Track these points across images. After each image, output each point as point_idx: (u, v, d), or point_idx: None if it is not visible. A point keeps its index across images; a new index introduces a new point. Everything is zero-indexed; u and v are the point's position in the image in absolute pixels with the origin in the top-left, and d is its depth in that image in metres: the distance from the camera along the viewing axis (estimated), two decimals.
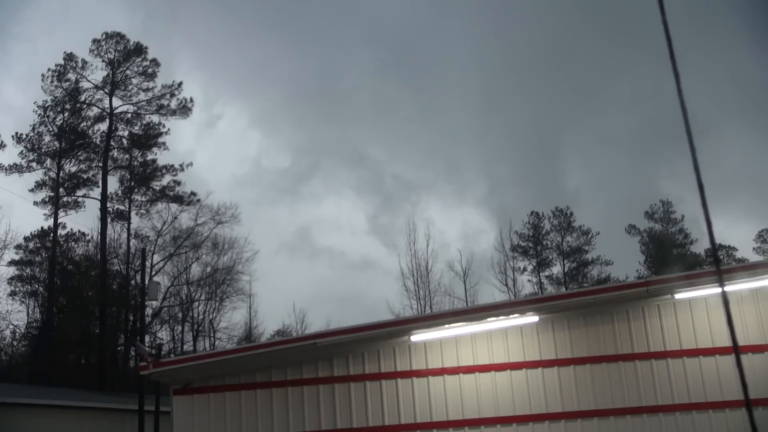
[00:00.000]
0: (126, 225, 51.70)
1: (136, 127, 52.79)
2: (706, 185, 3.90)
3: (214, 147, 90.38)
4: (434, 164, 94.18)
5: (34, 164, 50.99)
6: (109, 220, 51.05)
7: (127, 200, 52.52)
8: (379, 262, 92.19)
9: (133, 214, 52.29)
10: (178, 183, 52.78)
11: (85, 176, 51.90)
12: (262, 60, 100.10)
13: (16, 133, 50.76)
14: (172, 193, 52.62)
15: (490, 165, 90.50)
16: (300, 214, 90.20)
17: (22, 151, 50.57)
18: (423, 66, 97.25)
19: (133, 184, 52.63)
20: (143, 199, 52.82)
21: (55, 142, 51.47)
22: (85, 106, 52.13)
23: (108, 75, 51.99)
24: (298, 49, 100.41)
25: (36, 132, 51.17)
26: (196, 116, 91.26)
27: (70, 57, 51.50)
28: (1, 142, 49.00)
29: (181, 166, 53.11)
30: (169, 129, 53.37)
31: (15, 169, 50.49)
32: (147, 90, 52.75)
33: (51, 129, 51.56)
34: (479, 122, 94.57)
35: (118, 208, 52.41)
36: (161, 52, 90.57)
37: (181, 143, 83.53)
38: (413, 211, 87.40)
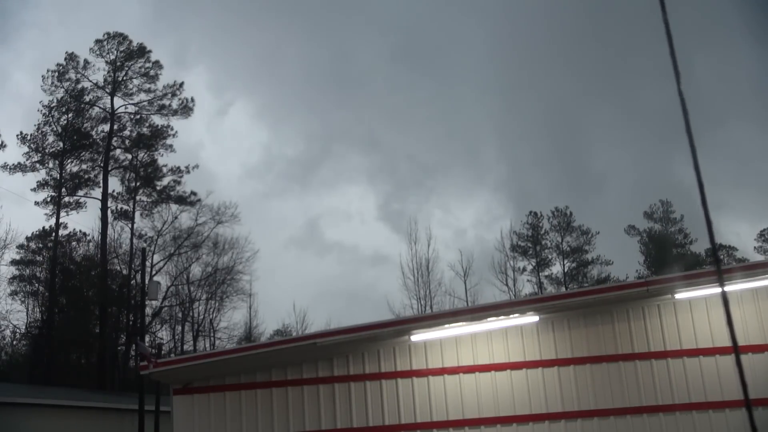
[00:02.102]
0: (129, 225, 51.82)
1: (144, 128, 52.86)
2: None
3: (224, 135, 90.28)
4: (449, 149, 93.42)
5: (37, 164, 51.12)
6: (112, 219, 51.21)
7: (131, 200, 52.57)
8: (389, 256, 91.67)
9: (137, 214, 52.42)
10: (178, 182, 52.83)
11: (87, 176, 51.96)
12: (273, 46, 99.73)
13: (21, 132, 50.95)
14: (172, 193, 52.68)
15: (506, 150, 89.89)
16: (310, 204, 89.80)
17: (27, 151, 50.77)
18: (437, 49, 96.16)
19: (137, 184, 52.67)
20: (148, 199, 52.89)
21: (59, 142, 51.55)
22: (88, 106, 52.18)
23: (109, 75, 52.04)
24: (309, 35, 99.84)
25: (40, 132, 51.29)
26: (207, 104, 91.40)
27: (71, 57, 51.52)
28: (2, 142, 49.08)
29: (186, 168, 53.20)
30: (176, 132, 53.44)
31: (18, 168, 50.59)
32: (148, 90, 52.82)
33: (55, 129, 51.64)
34: (495, 106, 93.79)
35: (122, 208, 52.50)
36: (172, 39, 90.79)
37: (191, 134, 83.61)
38: (427, 196, 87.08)
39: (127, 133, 52.94)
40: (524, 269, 63.30)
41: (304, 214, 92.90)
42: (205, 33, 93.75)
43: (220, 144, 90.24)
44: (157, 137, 52.66)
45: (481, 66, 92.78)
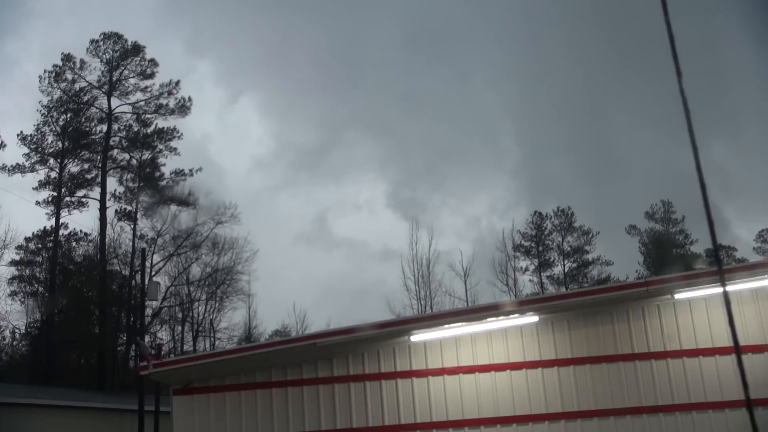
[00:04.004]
0: (131, 225, 51.83)
1: (144, 128, 52.88)
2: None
3: (233, 124, 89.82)
4: (461, 136, 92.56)
5: (37, 164, 51.14)
6: (115, 220, 51.24)
7: (134, 201, 52.58)
8: (397, 251, 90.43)
9: (140, 215, 52.42)
10: (177, 183, 52.86)
11: (88, 176, 51.99)
12: (284, 33, 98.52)
13: (21, 132, 50.96)
14: (172, 193, 52.72)
15: (521, 137, 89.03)
16: (319, 195, 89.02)
17: (27, 151, 50.77)
18: (451, 33, 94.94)
19: (141, 184, 52.67)
20: (151, 200, 52.92)
21: (59, 143, 51.58)
22: (85, 106, 52.18)
23: (105, 75, 52.06)
24: (320, 21, 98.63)
25: (40, 132, 51.30)
26: (218, 93, 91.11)
27: (67, 57, 51.54)
28: (2, 142, 49.09)
29: (190, 171, 53.22)
30: (182, 134, 53.43)
31: (18, 169, 50.59)
32: (145, 90, 52.83)
33: (54, 129, 51.66)
34: (511, 92, 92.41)
35: (125, 208, 52.50)
36: (184, 27, 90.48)
37: (199, 125, 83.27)
38: (440, 184, 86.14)
39: (124, 133, 53.00)
40: (526, 269, 63.37)
41: (313, 207, 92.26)
42: (216, 20, 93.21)
43: (230, 133, 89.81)
44: (159, 137, 52.66)
45: (496, 51, 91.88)
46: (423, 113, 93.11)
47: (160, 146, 52.83)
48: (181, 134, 53.33)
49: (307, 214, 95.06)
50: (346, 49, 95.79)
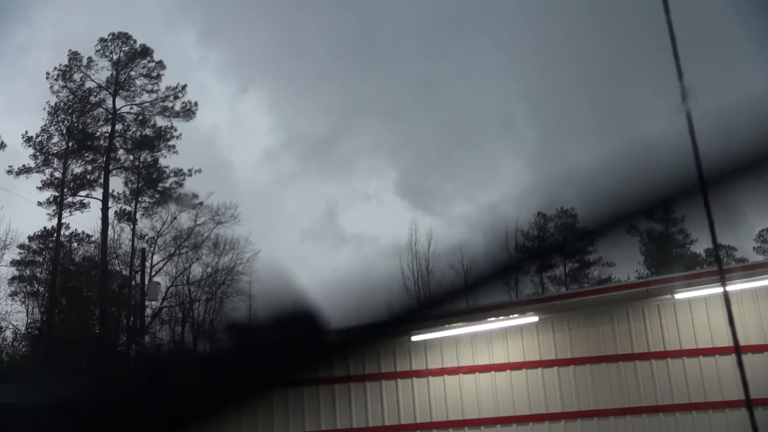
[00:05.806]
0: (131, 226, 51.84)
1: (147, 129, 52.91)
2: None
3: (242, 115, 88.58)
4: (476, 122, 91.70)
5: (41, 165, 51.14)
6: (116, 221, 51.25)
7: (133, 201, 52.55)
8: (401, 247, 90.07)
9: (139, 215, 52.42)
10: (180, 185, 52.87)
11: (91, 177, 51.99)
12: (293, 21, 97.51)
13: (26, 132, 50.97)
14: (173, 194, 52.74)
15: (535, 123, 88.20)
16: (329, 185, 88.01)
17: (32, 152, 50.72)
18: (466, 14, 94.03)
19: (141, 185, 52.68)
20: (150, 200, 52.91)
21: (62, 143, 51.61)
22: (91, 107, 52.24)
23: (112, 76, 52.11)
24: (331, 5, 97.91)
25: (45, 132, 51.31)
26: (228, 83, 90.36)
27: (75, 56, 51.60)
28: (2, 143, 49.09)
29: (189, 171, 53.23)
30: (181, 134, 53.44)
31: (24, 170, 50.57)
32: (151, 91, 52.86)
33: (60, 129, 51.70)
34: (526, 77, 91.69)
35: (124, 209, 52.48)
36: (194, 15, 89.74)
37: (206, 119, 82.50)
38: (451, 172, 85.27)
39: (129, 134, 53.03)
40: (528, 271, 63.27)
41: (322, 199, 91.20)
42: (226, 8, 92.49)
43: (239, 124, 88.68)
44: (160, 138, 52.70)
45: (511, 34, 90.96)
46: (435, 98, 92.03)
47: (161, 146, 52.90)
48: (180, 134, 53.36)
49: (316, 208, 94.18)
50: (357, 33, 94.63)
